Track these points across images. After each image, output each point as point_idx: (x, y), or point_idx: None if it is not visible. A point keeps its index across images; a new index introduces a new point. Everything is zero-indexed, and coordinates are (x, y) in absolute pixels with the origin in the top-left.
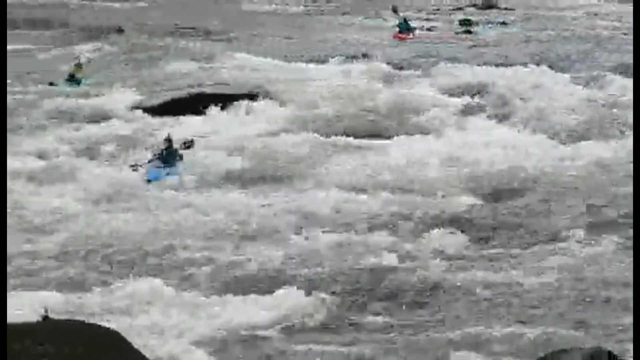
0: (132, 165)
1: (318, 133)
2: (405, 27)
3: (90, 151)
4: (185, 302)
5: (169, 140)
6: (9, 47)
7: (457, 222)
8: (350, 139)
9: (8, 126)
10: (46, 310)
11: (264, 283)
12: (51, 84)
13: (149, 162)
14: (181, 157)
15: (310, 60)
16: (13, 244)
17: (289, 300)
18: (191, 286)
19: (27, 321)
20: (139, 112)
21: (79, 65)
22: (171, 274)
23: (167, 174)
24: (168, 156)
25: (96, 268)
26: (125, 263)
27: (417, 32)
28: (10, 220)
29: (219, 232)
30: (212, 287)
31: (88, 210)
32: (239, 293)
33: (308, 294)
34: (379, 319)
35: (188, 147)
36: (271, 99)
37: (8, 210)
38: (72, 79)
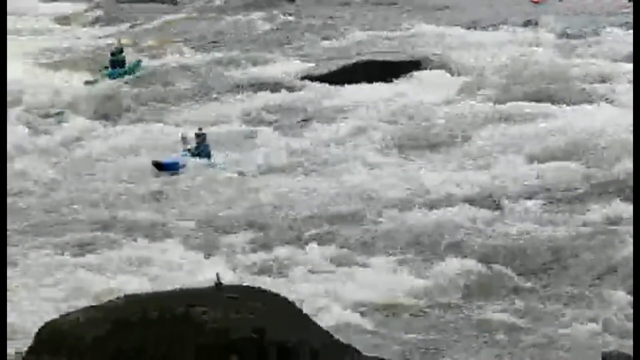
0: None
1: (490, 101)
2: None
3: (261, 119)
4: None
5: (199, 135)
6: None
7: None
8: (521, 105)
9: (185, 94)
10: (219, 277)
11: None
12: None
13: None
14: (208, 153)
15: (483, 28)
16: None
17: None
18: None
19: (199, 287)
20: (308, 81)
21: (119, 51)
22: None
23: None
24: (199, 151)
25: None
26: (306, 229)
27: None
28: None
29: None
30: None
31: (266, 178)
32: None
33: None
34: None
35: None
36: (442, 67)
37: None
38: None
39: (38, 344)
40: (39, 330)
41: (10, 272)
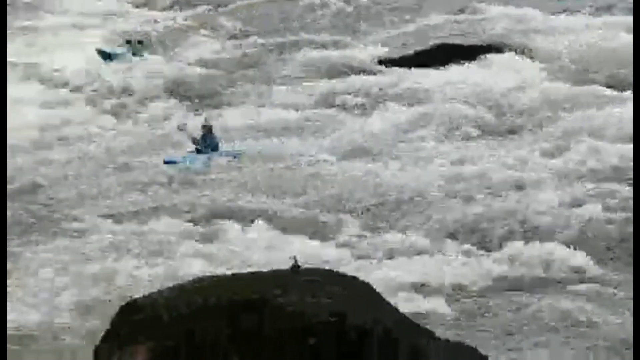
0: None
1: (567, 84)
2: None
3: (340, 103)
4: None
5: (205, 127)
6: None
7: None
8: (598, 89)
9: (259, 78)
10: (296, 260)
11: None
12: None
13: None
14: (216, 145)
15: (559, 12)
16: None
17: None
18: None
19: (278, 269)
20: (383, 65)
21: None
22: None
23: (190, 161)
24: (204, 145)
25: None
26: (385, 214)
27: None
28: None
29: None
30: None
31: (342, 165)
32: None
33: None
34: None
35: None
36: (517, 51)
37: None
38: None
39: (117, 324)
40: (118, 310)
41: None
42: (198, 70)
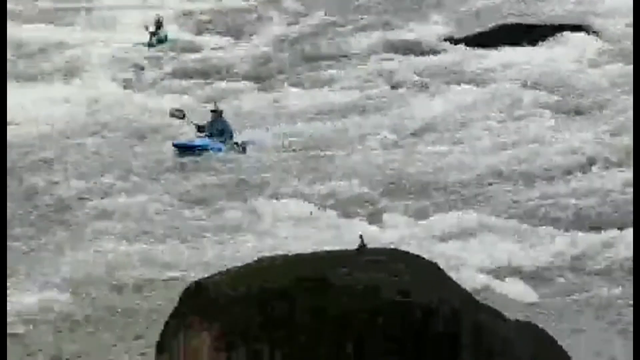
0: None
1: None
2: None
3: (402, 82)
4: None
5: (214, 111)
6: None
7: None
8: None
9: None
10: (362, 240)
11: None
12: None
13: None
14: (229, 134)
15: None
16: None
17: None
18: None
19: (344, 249)
20: (449, 43)
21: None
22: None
23: (199, 146)
24: (214, 130)
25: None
26: (447, 194)
27: None
28: None
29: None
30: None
31: (406, 143)
32: None
33: None
34: None
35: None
36: (584, 31)
37: None
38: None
39: (183, 305)
40: (184, 291)
41: None
42: (264, 50)
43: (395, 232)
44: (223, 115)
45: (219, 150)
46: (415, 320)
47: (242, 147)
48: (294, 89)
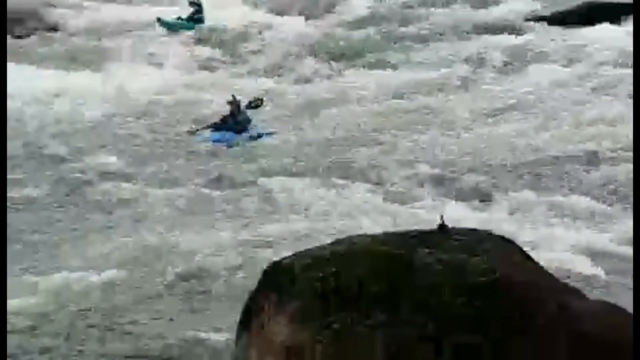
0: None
1: None
2: None
3: (485, 62)
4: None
5: (232, 102)
6: None
7: None
8: None
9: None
10: (443, 220)
11: None
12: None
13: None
14: (248, 121)
15: None
16: None
17: None
18: None
19: (424, 229)
20: (533, 22)
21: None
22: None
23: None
24: (233, 121)
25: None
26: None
27: None
28: None
29: None
30: None
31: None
32: None
33: None
34: None
35: (256, 107)
36: None
37: None
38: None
39: (262, 284)
40: (265, 270)
41: None
42: (339, 30)
43: (468, 212)
44: (241, 106)
45: (231, 143)
46: (500, 300)
47: (258, 137)
48: (373, 70)
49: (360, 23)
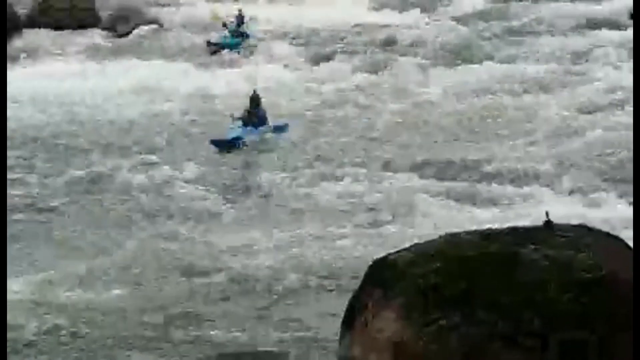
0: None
1: None
2: None
3: (590, 57)
4: None
5: (254, 98)
6: None
7: None
8: None
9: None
10: (548, 216)
11: None
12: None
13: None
14: (265, 117)
15: None
16: None
17: None
18: None
19: (531, 225)
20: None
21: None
22: None
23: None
24: (252, 119)
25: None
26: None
27: None
28: None
29: None
30: None
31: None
32: None
33: None
34: None
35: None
36: None
37: None
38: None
39: (368, 280)
40: (370, 266)
41: None
42: (451, 24)
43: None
44: (261, 102)
45: (254, 138)
46: (607, 296)
47: (278, 129)
48: (484, 64)
49: (469, 18)
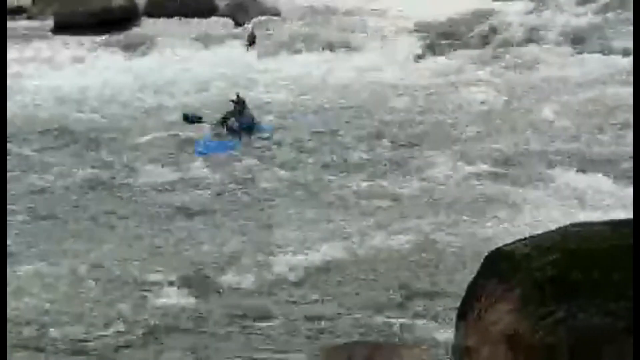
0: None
1: None
2: None
3: None
4: None
5: (235, 102)
6: None
7: None
8: None
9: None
10: None
11: None
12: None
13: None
14: (252, 118)
15: None
16: None
17: None
18: None
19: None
20: None
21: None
22: None
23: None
24: (237, 121)
25: None
26: None
27: None
28: None
29: None
30: None
31: None
32: None
33: None
34: None
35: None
36: None
37: None
38: None
39: (484, 271)
40: (485, 257)
41: None
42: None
43: None
44: (246, 104)
45: (233, 147)
46: None
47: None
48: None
49: (584, 3)
